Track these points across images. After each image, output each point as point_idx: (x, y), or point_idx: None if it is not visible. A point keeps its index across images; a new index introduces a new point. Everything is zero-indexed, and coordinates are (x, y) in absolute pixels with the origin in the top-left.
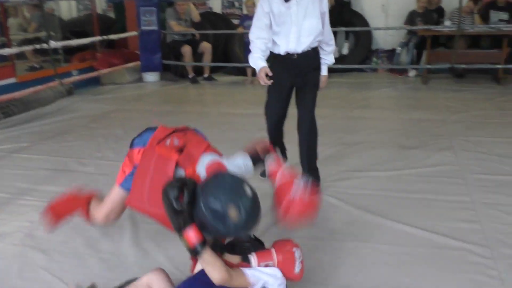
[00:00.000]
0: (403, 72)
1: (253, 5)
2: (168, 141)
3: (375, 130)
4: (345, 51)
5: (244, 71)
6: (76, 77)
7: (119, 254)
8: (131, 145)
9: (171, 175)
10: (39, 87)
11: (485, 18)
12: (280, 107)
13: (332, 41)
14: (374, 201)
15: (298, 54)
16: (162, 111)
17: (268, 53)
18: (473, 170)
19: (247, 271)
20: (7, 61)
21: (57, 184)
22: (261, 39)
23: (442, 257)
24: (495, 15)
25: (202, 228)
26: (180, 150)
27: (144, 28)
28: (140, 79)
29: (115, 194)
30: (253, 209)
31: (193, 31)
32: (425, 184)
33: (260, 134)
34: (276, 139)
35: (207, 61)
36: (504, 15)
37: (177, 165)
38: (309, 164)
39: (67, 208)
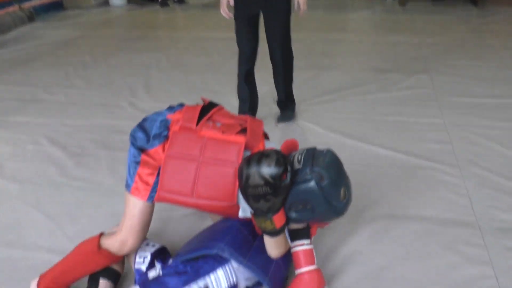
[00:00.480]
0: None
1: None
2: (210, 124)
3: (351, 54)
4: None
5: None
6: (36, 1)
7: (95, 181)
8: (145, 147)
9: (237, 160)
10: None
11: None
12: (250, 36)
13: None
14: (349, 124)
15: None
16: (132, 37)
17: None
18: (447, 93)
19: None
20: None
21: (27, 114)
22: None
23: (414, 177)
24: None
25: (289, 209)
26: (242, 130)
27: None
28: (106, 3)
29: (143, 208)
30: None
31: None
32: (400, 107)
33: (235, 59)
34: (247, 79)
35: None
36: None
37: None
38: (285, 89)
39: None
